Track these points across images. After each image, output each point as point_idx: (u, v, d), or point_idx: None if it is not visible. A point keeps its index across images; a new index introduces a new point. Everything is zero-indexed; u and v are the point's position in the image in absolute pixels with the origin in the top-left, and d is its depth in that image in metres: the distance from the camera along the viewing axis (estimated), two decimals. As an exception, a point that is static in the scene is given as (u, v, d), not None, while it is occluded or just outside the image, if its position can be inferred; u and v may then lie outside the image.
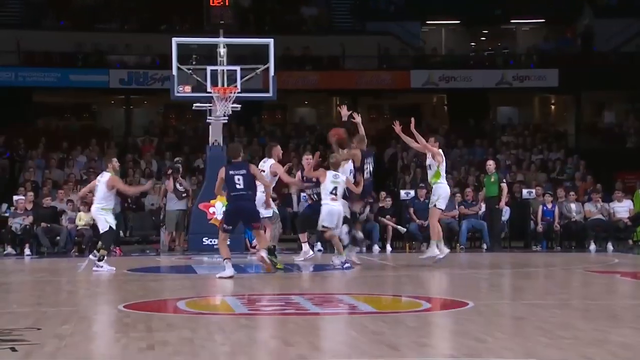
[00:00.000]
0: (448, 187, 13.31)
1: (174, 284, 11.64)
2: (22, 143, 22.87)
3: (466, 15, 30.04)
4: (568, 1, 30.14)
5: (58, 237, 17.31)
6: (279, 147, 13.09)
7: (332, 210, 12.39)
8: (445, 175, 13.21)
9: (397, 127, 13.20)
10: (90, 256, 13.09)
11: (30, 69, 25.66)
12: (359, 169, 12.76)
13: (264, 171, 12.37)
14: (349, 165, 12.77)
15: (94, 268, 12.55)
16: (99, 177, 13.09)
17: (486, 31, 31.65)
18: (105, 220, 12.75)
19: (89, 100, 28.87)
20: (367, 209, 15.98)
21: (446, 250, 13.24)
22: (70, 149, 22.61)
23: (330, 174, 12.50)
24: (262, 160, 12.83)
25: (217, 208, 16.25)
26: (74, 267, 14.13)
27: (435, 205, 13.06)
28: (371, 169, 12.95)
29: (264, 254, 11.68)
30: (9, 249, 17.05)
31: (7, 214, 17.75)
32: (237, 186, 11.38)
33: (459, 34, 31.42)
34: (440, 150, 13.28)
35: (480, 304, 8.53)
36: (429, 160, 13.23)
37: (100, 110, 29.47)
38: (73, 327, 7.15)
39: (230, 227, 11.60)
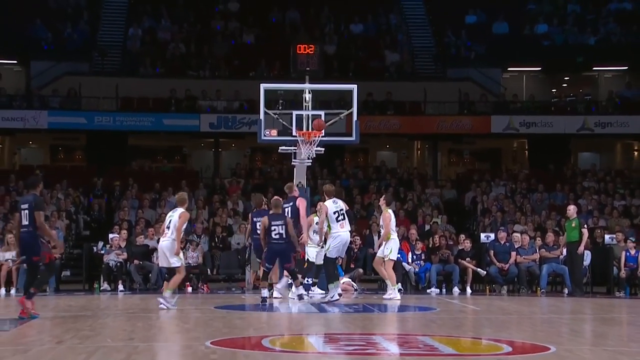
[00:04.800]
0: (398, 239, 15.65)
1: (259, 322, 11.85)
2: (117, 185, 23.85)
3: (547, 62, 30.04)
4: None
5: (150, 274, 18.12)
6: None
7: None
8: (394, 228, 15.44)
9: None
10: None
11: (127, 114, 26.73)
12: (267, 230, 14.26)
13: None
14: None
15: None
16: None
17: (567, 78, 31.54)
18: None
19: (181, 143, 29.84)
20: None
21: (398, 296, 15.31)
22: (162, 190, 23.47)
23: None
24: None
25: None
26: (165, 303, 14.69)
27: (389, 258, 15.30)
28: (281, 230, 14.19)
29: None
30: (105, 285, 17.86)
31: (102, 252, 18.57)
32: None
33: (539, 81, 31.32)
34: (390, 212, 15.39)
35: (562, 349, 8.40)
36: (381, 221, 15.53)
37: (190, 152, 30.47)
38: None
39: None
